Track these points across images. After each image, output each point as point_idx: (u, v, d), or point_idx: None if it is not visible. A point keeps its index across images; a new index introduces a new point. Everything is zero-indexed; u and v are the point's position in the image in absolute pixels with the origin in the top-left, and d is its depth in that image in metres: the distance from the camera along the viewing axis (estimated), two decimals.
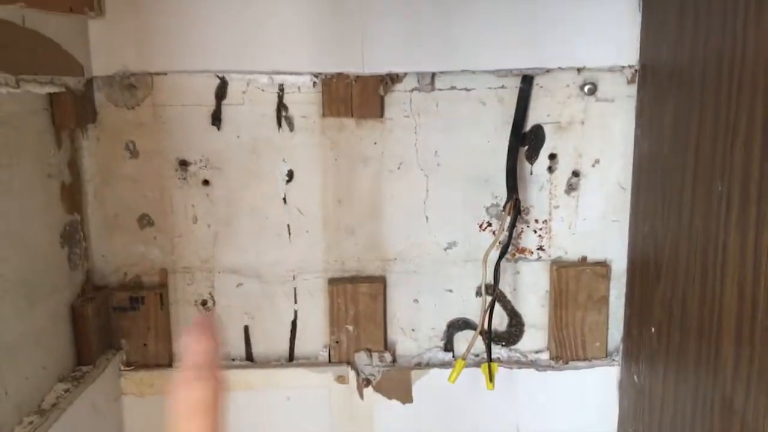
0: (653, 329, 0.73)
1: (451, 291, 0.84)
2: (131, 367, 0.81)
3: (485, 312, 0.79)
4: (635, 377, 0.78)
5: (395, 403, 0.84)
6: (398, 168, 0.81)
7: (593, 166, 0.81)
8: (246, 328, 0.84)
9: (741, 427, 0.55)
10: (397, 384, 0.83)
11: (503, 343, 0.85)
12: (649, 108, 0.75)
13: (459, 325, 0.84)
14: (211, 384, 0.31)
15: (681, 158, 0.66)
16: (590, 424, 0.84)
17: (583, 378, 0.83)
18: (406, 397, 0.84)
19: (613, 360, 0.83)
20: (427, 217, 0.82)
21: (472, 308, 0.84)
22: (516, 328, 0.85)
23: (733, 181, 0.56)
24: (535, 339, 0.85)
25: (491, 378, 0.79)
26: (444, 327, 0.85)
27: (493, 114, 0.80)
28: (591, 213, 0.82)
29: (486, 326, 0.79)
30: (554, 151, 0.81)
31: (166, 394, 0.82)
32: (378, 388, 0.83)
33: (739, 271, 0.55)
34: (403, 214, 0.82)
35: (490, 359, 0.80)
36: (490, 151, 0.80)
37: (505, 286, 0.84)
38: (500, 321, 0.84)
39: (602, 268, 0.82)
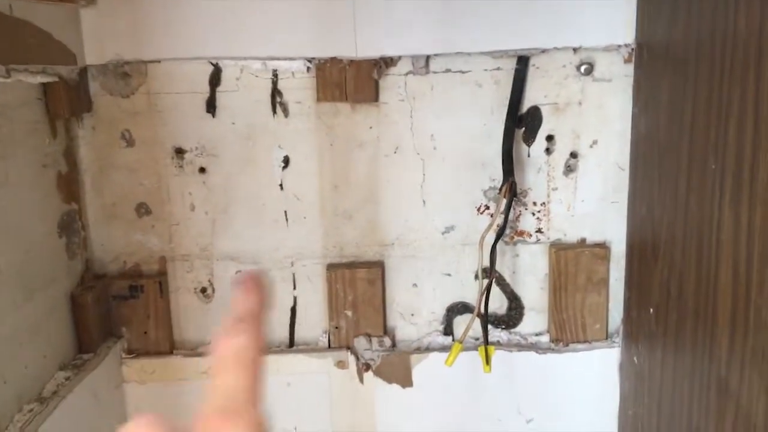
0: (652, 310, 0.73)
1: (449, 275, 0.84)
2: (132, 355, 0.82)
3: (482, 295, 0.78)
4: (635, 359, 0.78)
5: (395, 387, 0.84)
6: (394, 152, 0.81)
7: (591, 147, 0.80)
8: None
9: (736, 409, 0.55)
10: (396, 368, 0.84)
11: (503, 326, 0.85)
12: (646, 87, 0.74)
13: (458, 308, 0.84)
14: (249, 337, 0.29)
15: (676, 138, 0.65)
16: (591, 406, 0.84)
17: (583, 360, 0.83)
18: (406, 381, 0.84)
19: (614, 342, 0.83)
20: (424, 201, 0.82)
21: (471, 292, 0.83)
22: (516, 311, 0.84)
23: (726, 161, 0.55)
24: (535, 322, 0.85)
25: (488, 361, 0.79)
26: (443, 311, 0.85)
27: (490, 96, 0.79)
28: (589, 194, 0.81)
29: (483, 309, 0.79)
30: (551, 133, 0.80)
31: (167, 381, 0.83)
32: (378, 373, 0.84)
33: (733, 252, 0.54)
34: (400, 198, 0.82)
35: (486, 342, 0.80)
36: (487, 133, 0.80)
37: (504, 269, 0.83)
38: (500, 304, 0.84)
39: (601, 249, 0.82)
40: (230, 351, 0.29)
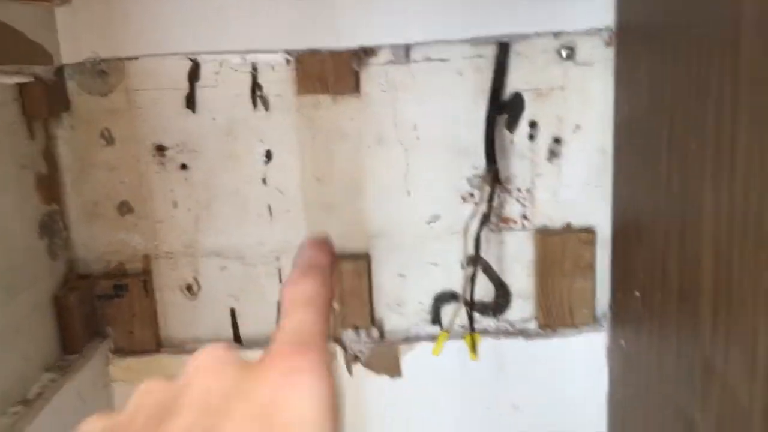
0: (637, 293, 0.73)
1: (436, 264, 0.83)
2: (119, 354, 0.82)
3: (468, 283, 0.78)
4: (623, 342, 0.78)
5: (385, 378, 0.84)
6: (377, 143, 0.80)
7: (574, 132, 0.80)
8: (232, 311, 0.84)
9: (722, 389, 0.55)
10: (385, 359, 0.83)
11: (491, 314, 0.84)
12: (627, 70, 0.74)
13: (446, 297, 0.84)
14: (317, 282, 0.31)
15: (657, 120, 0.65)
16: (580, 390, 0.84)
17: (571, 345, 0.83)
18: (395, 371, 0.84)
19: (601, 326, 0.83)
20: (408, 192, 0.81)
21: (458, 280, 0.83)
22: (503, 298, 0.84)
23: (706, 142, 0.55)
24: (522, 308, 0.84)
25: (474, 348, 0.79)
26: (431, 300, 0.84)
27: (471, 84, 0.79)
28: (574, 179, 0.81)
29: (470, 297, 0.79)
30: (534, 119, 0.80)
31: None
32: (367, 364, 0.83)
33: (714, 232, 0.54)
34: (384, 189, 0.81)
35: (472, 330, 0.80)
36: (469, 121, 0.79)
37: (490, 257, 0.83)
38: (487, 292, 0.84)
39: (587, 234, 0.81)
40: (299, 294, 0.30)
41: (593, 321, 0.83)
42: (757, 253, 0.48)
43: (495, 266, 0.84)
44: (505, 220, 0.82)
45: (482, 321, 0.84)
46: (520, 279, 0.84)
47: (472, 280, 0.79)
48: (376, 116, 0.80)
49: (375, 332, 0.83)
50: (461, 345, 0.81)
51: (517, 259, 0.83)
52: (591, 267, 0.82)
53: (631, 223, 0.74)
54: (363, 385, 0.84)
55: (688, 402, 0.61)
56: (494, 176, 0.77)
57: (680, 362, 0.62)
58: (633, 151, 0.73)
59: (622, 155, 0.76)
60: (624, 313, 0.77)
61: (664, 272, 0.65)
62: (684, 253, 0.60)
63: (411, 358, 0.83)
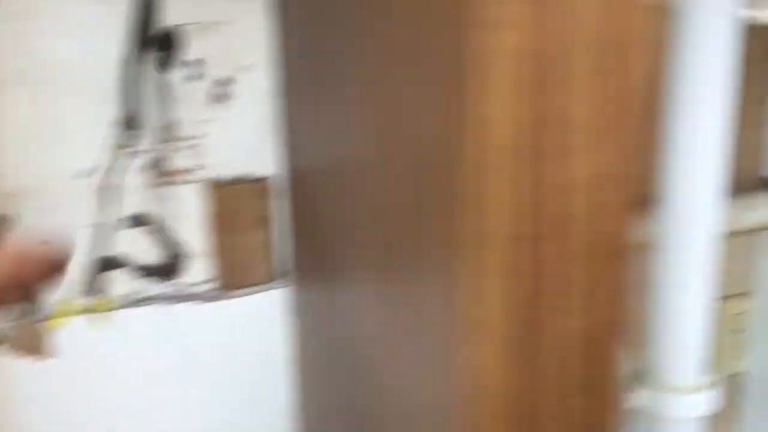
0: (312, 246, 0.68)
1: (92, 225, 0.72)
2: None
3: (132, 245, 0.69)
4: (302, 296, 0.74)
5: (31, 361, 0.72)
6: (8, 83, 0.67)
7: (244, 72, 0.73)
8: None
9: (357, 332, 0.51)
10: (33, 339, 0.71)
11: (162, 277, 0.76)
12: (291, 6, 0.68)
13: (106, 263, 0.73)
14: None
15: (320, 58, 0.60)
16: (263, 348, 0.79)
17: (252, 304, 0.78)
18: (45, 352, 0.72)
19: (281, 281, 0.78)
20: (53, 141, 0.69)
21: (120, 243, 0.73)
22: (174, 259, 0.76)
23: (362, 82, 0.50)
24: (198, 269, 0.77)
25: (105, 319, 0.71)
26: (89, 267, 0.73)
27: (121, 16, 0.68)
28: (245, 125, 0.75)
29: (136, 261, 0.70)
30: (197, 57, 0.71)
31: None
32: (10, 346, 0.71)
33: (362, 179, 0.50)
34: (20, 139, 0.68)
35: (100, 295, 0.71)
36: (120, 59, 0.69)
37: (158, 214, 0.74)
38: (156, 253, 0.75)
39: (262, 184, 0.76)
40: None
41: (274, 277, 0.78)
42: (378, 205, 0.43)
43: (164, 224, 0.75)
44: (172, 173, 0.74)
45: (152, 286, 0.75)
46: (194, 237, 0.76)
47: (139, 241, 0.70)
48: (4, 49, 0.66)
49: (21, 308, 0.71)
50: (127, 315, 0.72)
51: (188, 215, 0.75)
52: (268, 219, 0.77)
53: (302, 172, 0.69)
54: (6, 372, 0.71)
55: (338, 357, 0.57)
56: (136, 123, 0.68)
57: (332, 314, 0.58)
58: (301, 94, 0.67)
59: (291, 99, 0.71)
60: (301, 266, 0.73)
61: (326, 222, 0.60)
62: (335, 201, 0.56)
63: (65, 335, 0.72)
